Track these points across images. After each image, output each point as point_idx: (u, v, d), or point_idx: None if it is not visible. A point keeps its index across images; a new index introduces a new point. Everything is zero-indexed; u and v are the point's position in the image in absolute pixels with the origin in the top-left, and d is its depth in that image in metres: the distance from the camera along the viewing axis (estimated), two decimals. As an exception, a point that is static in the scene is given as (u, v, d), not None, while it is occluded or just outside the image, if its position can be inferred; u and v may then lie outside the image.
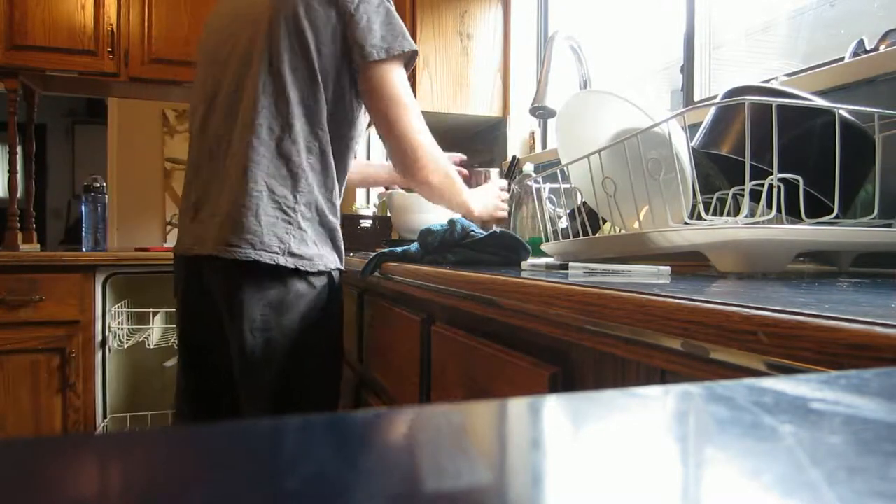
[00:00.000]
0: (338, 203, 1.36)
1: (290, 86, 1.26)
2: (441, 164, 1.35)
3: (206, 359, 1.42)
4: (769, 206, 0.67)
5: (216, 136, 1.33)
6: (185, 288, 1.41)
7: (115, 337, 2.34)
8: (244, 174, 1.26)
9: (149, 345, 2.38)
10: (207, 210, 1.33)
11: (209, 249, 1.27)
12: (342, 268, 1.35)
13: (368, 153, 4.02)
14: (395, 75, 1.29)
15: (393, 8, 1.30)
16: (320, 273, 1.30)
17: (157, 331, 2.44)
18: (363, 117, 1.39)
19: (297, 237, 1.27)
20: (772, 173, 0.66)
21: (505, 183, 1.56)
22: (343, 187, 1.39)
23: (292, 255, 1.27)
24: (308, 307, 1.29)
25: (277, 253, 1.25)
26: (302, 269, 1.25)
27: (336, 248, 1.34)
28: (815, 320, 0.30)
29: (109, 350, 2.34)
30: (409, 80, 2.14)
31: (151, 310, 2.39)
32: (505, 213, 1.49)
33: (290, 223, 1.27)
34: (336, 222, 1.34)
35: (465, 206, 1.40)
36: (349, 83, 1.31)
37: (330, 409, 1.39)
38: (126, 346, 2.37)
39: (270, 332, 1.27)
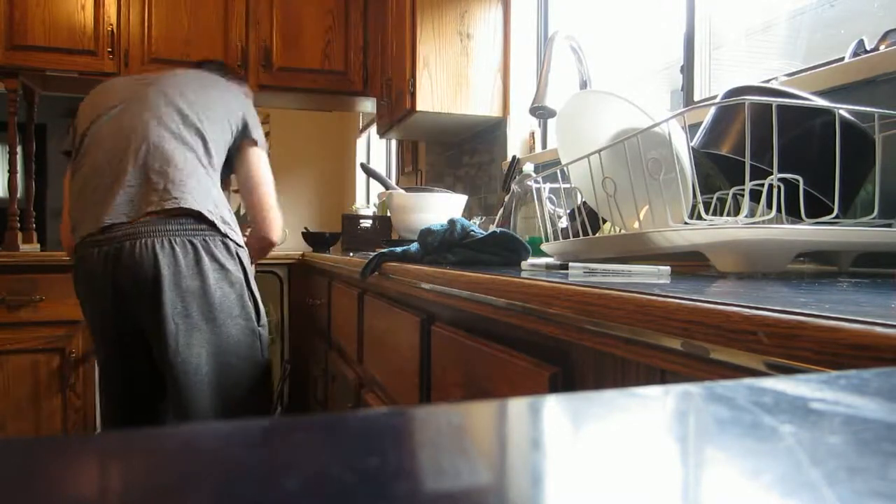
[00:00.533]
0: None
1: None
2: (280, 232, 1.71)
3: (127, 346, 1.49)
4: (769, 206, 0.67)
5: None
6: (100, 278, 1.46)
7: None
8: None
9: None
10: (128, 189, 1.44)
11: (140, 213, 1.39)
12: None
13: (369, 156, 4.02)
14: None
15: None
16: (237, 244, 1.48)
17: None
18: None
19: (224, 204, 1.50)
20: (772, 173, 0.66)
21: None
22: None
23: (223, 220, 1.45)
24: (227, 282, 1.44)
25: (213, 213, 1.43)
26: (223, 230, 1.43)
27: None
28: (815, 320, 0.30)
29: (109, 350, 2.33)
30: (410, 79, 2.14)
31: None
32: None
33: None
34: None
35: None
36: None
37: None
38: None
39: (192, 317, 1.40)
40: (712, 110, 0.87)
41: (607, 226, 1.04)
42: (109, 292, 1.41)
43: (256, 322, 1.50)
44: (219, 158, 1.55)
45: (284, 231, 2.72)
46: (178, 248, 1.37)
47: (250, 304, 1.48)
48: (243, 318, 1.46)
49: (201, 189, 1.45)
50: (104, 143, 1.49)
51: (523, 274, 0.68)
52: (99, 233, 1.40)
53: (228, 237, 1.45)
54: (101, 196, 1.43)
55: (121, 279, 1.39)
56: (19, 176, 2.45)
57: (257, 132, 1.64)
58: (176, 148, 1.46)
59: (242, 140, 1.61)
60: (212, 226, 1.42)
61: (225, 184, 1.65)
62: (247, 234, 1.69)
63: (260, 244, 1.67)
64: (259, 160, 1.64)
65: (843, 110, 0.74)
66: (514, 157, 1.89)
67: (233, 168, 1.63)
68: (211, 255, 1.41)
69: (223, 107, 1.60)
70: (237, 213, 2.10)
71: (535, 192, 1.03)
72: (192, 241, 1.39)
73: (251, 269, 1.53)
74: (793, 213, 0.72)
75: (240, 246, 1.49)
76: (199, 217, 1.41)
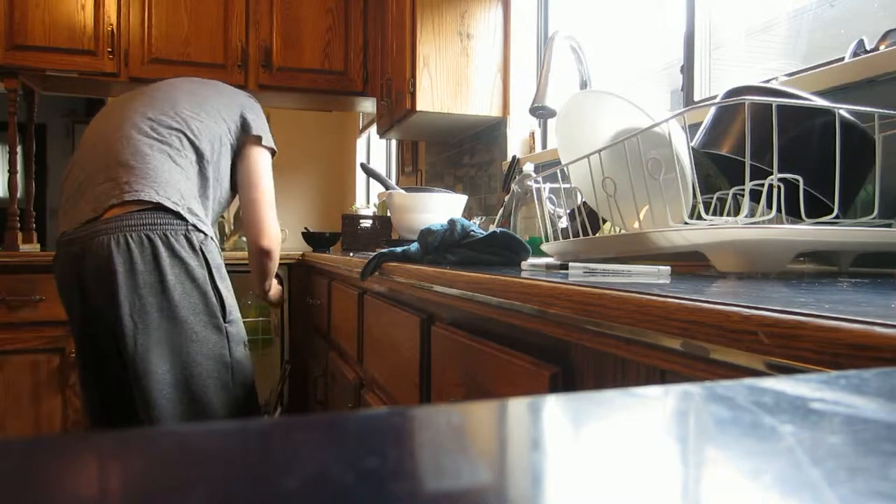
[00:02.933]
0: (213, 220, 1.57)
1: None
2: (277, 240, 1.69)
3: (104, 361, 1.47)
4: (769, 206, 0.67)
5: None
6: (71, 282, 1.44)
7: (115, 337, 2.34)
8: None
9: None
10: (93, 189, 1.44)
11: (104, 207, 1.37)
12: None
13: (369, 156, 4.02)
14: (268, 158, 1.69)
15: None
16: (204, 237, 1.44)
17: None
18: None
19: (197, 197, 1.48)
20: (772, 173, 0.66)
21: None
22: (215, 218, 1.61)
23: (191, 211, 1.42)
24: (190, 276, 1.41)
25: (178, 204, 1.40)
26: (198, 225, 1.42)
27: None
28: (815, 320, 0.30)
29: (109, 350, 2.33)
30: (410, 79, 2.14)
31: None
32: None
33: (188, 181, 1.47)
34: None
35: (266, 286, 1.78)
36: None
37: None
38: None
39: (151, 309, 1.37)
40: (712, 110, 0.87)
41: (607, 226, 1.04)
42: (77, 293, 1.40)
43: (222, 318, 1.44)
44: (208, 154, 1.50)
45: (284, 232, 2.68)
46: (133, 244, 1.33)
47: (215, 301, 1.42)
48: (207, 315, 1.40)
49: (167, 180, 1.40)
50: (83, 154, 1.51)
51: (523, 274, 0.68)
52: (71, 232, 1.40)
53: (195, 229, 1.40)
54: (74, 200, 1.43)
55: (84, 278, 1.38)
56: (19, 176, 2.45)
57: (260, 129, 1.60)
58: (143, 143, 1.43)
59: (244, 137, 1.57)
60: (177, 216, 1.38)
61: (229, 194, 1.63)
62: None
63: (253, 253, 1.62)
64: (258, 158, 1.59)
65: (843, 110, 0.74)
66: (514, 157, 1.89)
67: (234, 170, 1.60)
68: (170, 249, 1.36)
69: (216, 101, 1.57)
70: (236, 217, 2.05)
71: (535, 192, 1.03)
72: (149, 235, 1.35)
73: (219, 264, 1.47)
74: (793, 213, 0.72)
75: (206, 236, 1.44)
76: (158, 208, 1.37)
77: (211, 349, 1.41)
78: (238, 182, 1.60)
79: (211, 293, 1.42)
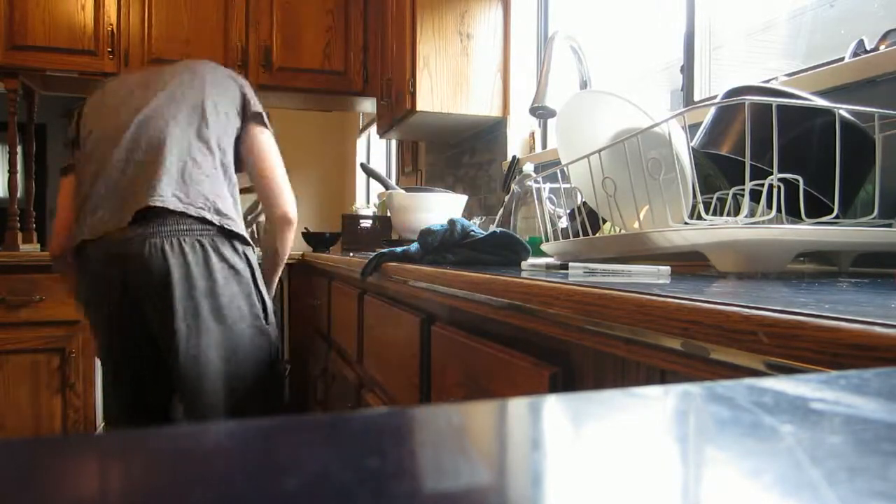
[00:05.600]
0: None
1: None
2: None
3: (132, 362, 1.48)
4: (769, 206, 0.67)
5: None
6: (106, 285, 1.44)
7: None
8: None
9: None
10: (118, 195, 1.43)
11: (132, 210, 1.36)
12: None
13: (369, 156, 4.02)
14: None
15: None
16: (244, 242, 1.45)
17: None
18: None
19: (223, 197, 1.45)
20: (772, 173, 0.66)
21: None
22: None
23: (218, 213, 1.42)
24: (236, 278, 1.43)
25: (203, 209, 1.40)
26: (227, 227, 1.41)
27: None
28: (815, 320, 0.30)
29: (109, 350, 2.33)
30: (410, 79, 2.14)
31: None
32: None
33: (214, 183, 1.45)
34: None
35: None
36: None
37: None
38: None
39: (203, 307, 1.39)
40: (712, 110, 0.87)
41: (607, 226, 1.04)
42: (116, 294, 1.40)
43: (265, 321, 1.49)
44: (230, 151, 1.51)
45: None
46: (187, 248, 1.36)
47: (258, 304, 1.47)
48: (251, 317, 1.45)
49: (213, 191, 1.44)
50: (116, 150, 1.47)
51: (523, 274, 0.68)
52: (110, 235, 1.38)
53: (235, 236, 1.44)
54: (114, 202, 1.41)
55: (129, 280, 1.37)
56: (19, 176, 2.45)
57: (258, 106, 1.58)
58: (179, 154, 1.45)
59: (246, 122, 1.55)
60: (220, 228, 1.41)
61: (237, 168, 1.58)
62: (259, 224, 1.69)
63: (277, 226, 1.58)
64: (268, 141, 1.58)
65: (843, 110, 0.74)
66: (514, 157, 1.90)
67: (240, 153, 1.57)
68: (220, 254, 1.40)
69: (225, 92, 1.55)
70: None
71: (535, 192, 1.03)
72: (201, 240, 1.38)
73: (256, 267, 1.50)
74: (793, 213, 0.72)
75: (247, 244, 1.47)
76: (204, 220, 1.40)
77: (257, 353, 1.46)
78: (252, 168, 1.58)
79: (255, 296, 1.47)
